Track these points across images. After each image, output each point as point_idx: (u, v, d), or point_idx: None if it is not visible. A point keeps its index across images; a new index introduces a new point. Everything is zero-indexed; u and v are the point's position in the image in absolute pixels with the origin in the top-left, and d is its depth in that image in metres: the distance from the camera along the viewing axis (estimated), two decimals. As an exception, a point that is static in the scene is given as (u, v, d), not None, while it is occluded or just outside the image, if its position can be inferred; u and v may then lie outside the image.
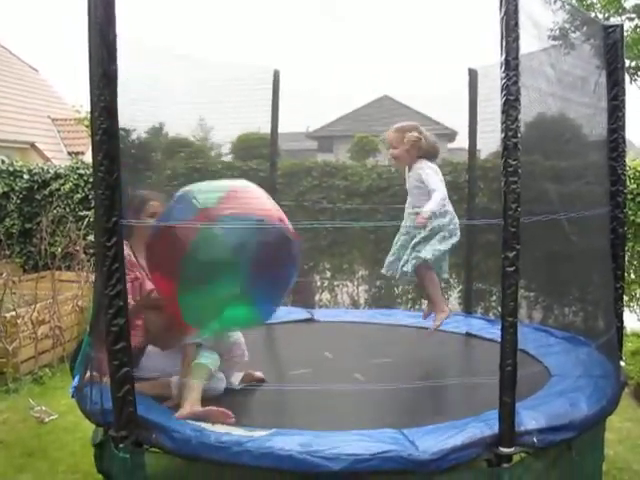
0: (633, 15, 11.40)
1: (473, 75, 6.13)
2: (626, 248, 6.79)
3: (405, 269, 4.77)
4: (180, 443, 3.19)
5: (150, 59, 4.93)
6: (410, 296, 8.86)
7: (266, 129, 6.75)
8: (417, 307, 8.70)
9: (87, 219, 8.34)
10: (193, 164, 8.61)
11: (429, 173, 4.74)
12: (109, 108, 3.06)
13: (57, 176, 9.60)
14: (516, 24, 3.02)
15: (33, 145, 19.09)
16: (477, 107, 6.15)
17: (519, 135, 3.03)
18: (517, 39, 3.03)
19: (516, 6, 3.02)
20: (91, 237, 7.74)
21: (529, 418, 3.27)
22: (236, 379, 4.20)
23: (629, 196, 8.04)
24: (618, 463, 4.80)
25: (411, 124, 4.97)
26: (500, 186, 3.10)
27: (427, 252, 4.65)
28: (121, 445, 3.23)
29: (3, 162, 9.99)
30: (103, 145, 3.06)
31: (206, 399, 3.64)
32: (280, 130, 6.77)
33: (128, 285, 3.34)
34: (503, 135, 3.04)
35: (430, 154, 4.90)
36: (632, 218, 8.27)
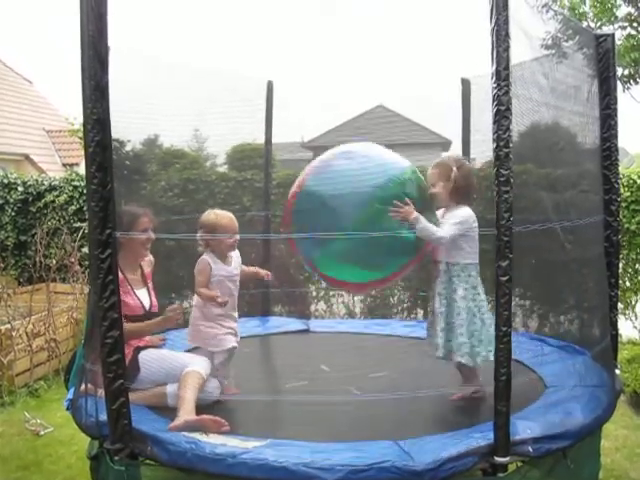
0: (625, 24, 11.46)
1: (466, 85, 6.15)
2: (620, 256, 6.80)
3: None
4: (175, 455, 3.18)
5: (145, 70, 4.95)
6: (406, 305, 8.86)
7: (261, 139, 6.76)
8: (413, 316, 8.70)
9: (82, 231, 8.32)
10: (188, 175, 8.62)
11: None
12: (102, 120, 3.06)
13: (51, 188, 9.60)
14: (506, 34, 3.03)
15: (27, 157, 19.09)
16: (470, 116, 6.17)
17: (511, 145, 3.04)
18: (507, 49, 3.04)
19: (507, 17, 3.03)
20: (86, 249, 7.73)
21: (524, 427, 3.28)
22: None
23: (623, 204, 8.07)
24: (615, 471, 4.80)
25: (453, 157, 4.37)
26: (494, 195, 3.11)
27: None
28: (116, 458, 3.23)
29: (-3, 174, 9.99)
30: (96, 157, 3.07)
31: (201, 406, 3.65)
32: (275, 140, 6.78)
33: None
34: (495, 145, 3.05)
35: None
36: (626, 226, 8.29)
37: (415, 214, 3.85)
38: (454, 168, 4.09)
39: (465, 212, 4.05)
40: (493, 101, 3.05)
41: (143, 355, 4.06)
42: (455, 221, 3.99)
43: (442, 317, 4.06)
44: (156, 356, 4.11)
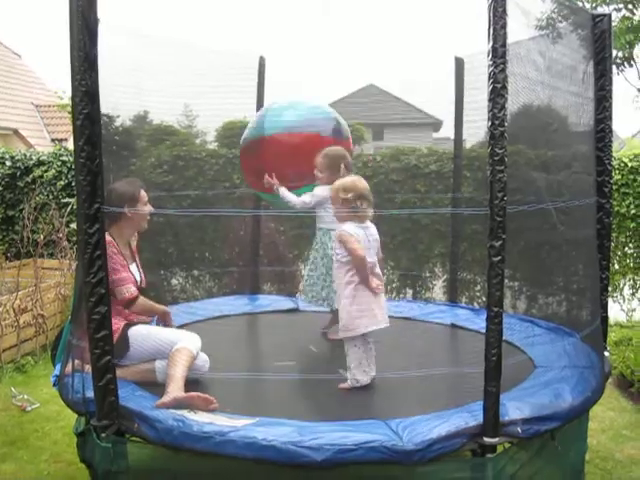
0: (620, 5, 11.38)
1: (459, 64, 6.09)
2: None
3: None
4: (162, 433, 3.16)
5: (135, 44, 4.87)
6: (395, 285, 8.86)
7: (252, 116, 6.70)
8: (402, 296, 8.70)
9: (70, 206, 8.26)
10: (177, 151, 8.55)
11: None
12: (90, 93, 3.02)
13: (40, 163, 9.50)
14: (504, 11, 2.99)
15: (16, 131, 18.92)
16: (463, 96, 6.12)
17: (506, 124, 3.01)
18: (504, 26, 3.00)
19: (504, -7, 2.99)
20: (74, 224, 7.66)
21: (513, 408, 3.27)
22: None
23: (614, 187, 8.06)
24: (601, 452, 4.82)
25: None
26: (486, 175, 3.08)
27: None
28: (103, 434, 3.21)
29: (-15, 149, 9.89)
30: (85, 131, 3.03)
31: (189, 382, 3.63)
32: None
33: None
34: (490, 123, 3.01)
35: None
36: (617, 209, 8.30)
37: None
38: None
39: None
40: (489, 79, 3.01)
41: (133, 331, 4.02)
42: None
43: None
44: (146, 332, 4.07)
